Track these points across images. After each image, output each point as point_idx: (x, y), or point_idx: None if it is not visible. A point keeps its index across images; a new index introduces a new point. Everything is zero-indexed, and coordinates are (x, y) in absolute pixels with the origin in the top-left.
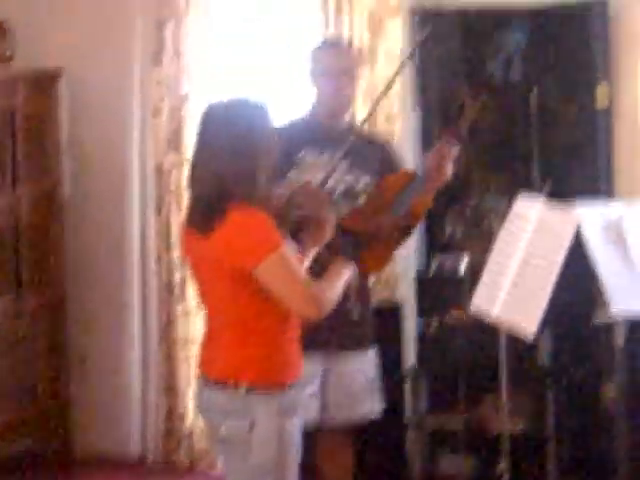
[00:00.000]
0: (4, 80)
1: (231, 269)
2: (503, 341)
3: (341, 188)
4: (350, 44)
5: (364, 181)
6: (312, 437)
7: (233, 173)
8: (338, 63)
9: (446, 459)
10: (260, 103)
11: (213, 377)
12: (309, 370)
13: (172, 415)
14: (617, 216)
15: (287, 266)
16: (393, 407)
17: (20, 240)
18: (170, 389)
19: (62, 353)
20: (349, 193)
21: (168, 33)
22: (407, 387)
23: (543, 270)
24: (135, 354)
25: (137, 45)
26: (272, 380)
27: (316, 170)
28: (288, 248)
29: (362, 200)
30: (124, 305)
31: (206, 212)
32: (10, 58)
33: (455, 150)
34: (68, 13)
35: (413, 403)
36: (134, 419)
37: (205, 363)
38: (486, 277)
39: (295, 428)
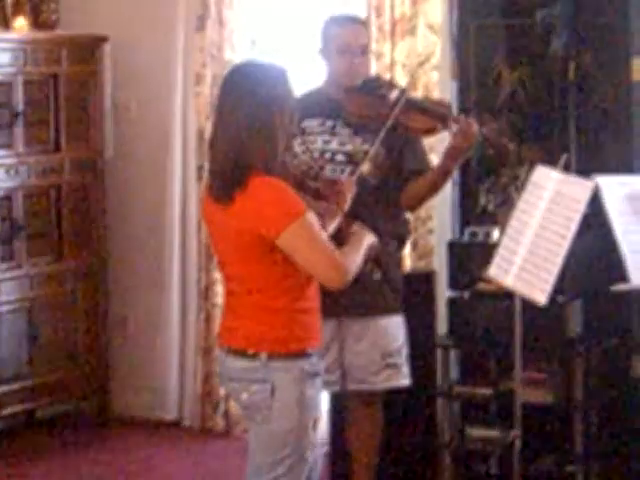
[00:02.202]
0: (49, 45)
1: (253, 238)
2: (522, 310)
3: (341, 156)
4: (363, 19)
5: (363, 149)
6: (340, 403)
7: (252, 142)
8: (356, 40)
9: (476, 429)
10: (281, 68)
11: (234, 346)
12: (325, 338)
13: (209, 379)
14: None
15: (311, 233)
16: (424, 375)
17: (62, 202)
18: (208, 353)
19: (102, 315)
20: (350, 160)
21: None
22: (438, 356)
23: (557, 238)
24: (174, 317)
25: (181, 11)
26: (292, 348)
27: (314, 139)
28: (311, 215)
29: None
30: (164, 269)
31: (226, 182)
32: (55, 23)
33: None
34: None
35: (443, 372)
36: (172, 382)
37: (225, 332)
38: (502, 246)
39: (316, 393)
